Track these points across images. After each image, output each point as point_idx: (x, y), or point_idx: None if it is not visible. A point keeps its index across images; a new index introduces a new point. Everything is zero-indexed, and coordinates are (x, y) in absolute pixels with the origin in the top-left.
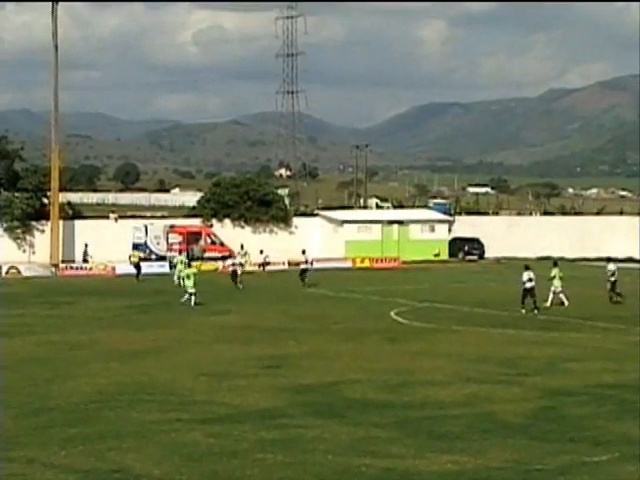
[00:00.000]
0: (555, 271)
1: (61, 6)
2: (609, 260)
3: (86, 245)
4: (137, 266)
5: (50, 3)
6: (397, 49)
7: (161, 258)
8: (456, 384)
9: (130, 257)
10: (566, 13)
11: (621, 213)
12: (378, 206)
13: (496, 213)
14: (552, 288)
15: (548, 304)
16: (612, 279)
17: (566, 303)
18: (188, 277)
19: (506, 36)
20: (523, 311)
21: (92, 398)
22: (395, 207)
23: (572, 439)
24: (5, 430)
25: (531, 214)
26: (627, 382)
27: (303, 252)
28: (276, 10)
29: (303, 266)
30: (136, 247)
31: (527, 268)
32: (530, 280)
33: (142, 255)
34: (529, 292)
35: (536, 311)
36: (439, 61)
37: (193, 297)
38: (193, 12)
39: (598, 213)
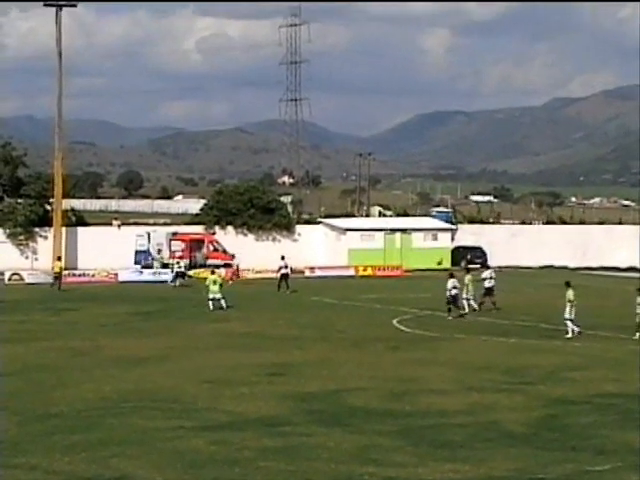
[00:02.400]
0: (468, 278)
1: (65, 12)
2: (487, 267)
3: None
4: (57, 276)
5: (54, 9)
6: (401, 57)
7: (164, 265)
8: (459, 393)
9: (53, 268)
10: (570, 22)
11: (620, 223)
12: (381, 214)
13: (495, 222)
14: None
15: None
16: (487, 285)
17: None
18: (214, 282)
19: (510, 45)
20: (450, 318)
21: (95, 405)
22: (398, 215)
23: (575, 448)
24: (8, 436)
25: (531, 223)
26: (630, 391)
27: (282, 258)
28: (280, 18)
29: (283, 271)
30: (139, 254)
31: (452, 275)
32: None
33: (62, 265)
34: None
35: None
36: (443, 69)
37: (223, 301)
38: (197, 19)
39: (601, 223)
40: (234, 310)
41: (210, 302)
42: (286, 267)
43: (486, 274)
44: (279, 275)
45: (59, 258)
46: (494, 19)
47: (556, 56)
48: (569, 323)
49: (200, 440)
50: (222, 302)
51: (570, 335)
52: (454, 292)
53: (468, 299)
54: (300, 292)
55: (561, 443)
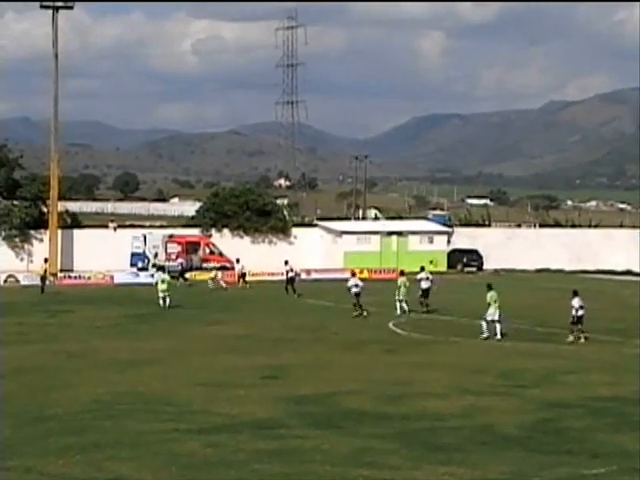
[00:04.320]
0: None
1: (61, 14)
2: (422, 269)
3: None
4: (42, 279)
5: (50, 11)
6: (397, 60)
7: (160, 268)
8: (454, 396)
9: (44, 271)
10: (565, 25)
11: (621, 226)
12: (376, 217)
13: (489, 225)
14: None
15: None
16: (424, 286)
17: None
18: (163, 282)
19: (505, 48)
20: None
21: (90, 407)
22: (394, 218)
23: (570, 451)
24: (3, 439)
25: (533, 226)
26: (625, 395)
27: (286, 262)
28: (276, 20)
29: (291, 274)
30: (134, 256)
31: (402, 273)
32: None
33: (47, 267)
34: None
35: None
36: (439, 72)
37: (168, 299)
38: (193, 22)
39: (596, 226)
40: (229, 313)
41: (160, 300)
42: (292, 271)
43: (422, 275)
44: (286, 279)
45: (45, 260)
46: (489, 22)
47: (551, 59)
48: (483, 323)
49: (195, 443)
50: (163, 300)
51: (485, 335)
52: (355, 290)
53: (400, 300)
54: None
55: (556, 446)
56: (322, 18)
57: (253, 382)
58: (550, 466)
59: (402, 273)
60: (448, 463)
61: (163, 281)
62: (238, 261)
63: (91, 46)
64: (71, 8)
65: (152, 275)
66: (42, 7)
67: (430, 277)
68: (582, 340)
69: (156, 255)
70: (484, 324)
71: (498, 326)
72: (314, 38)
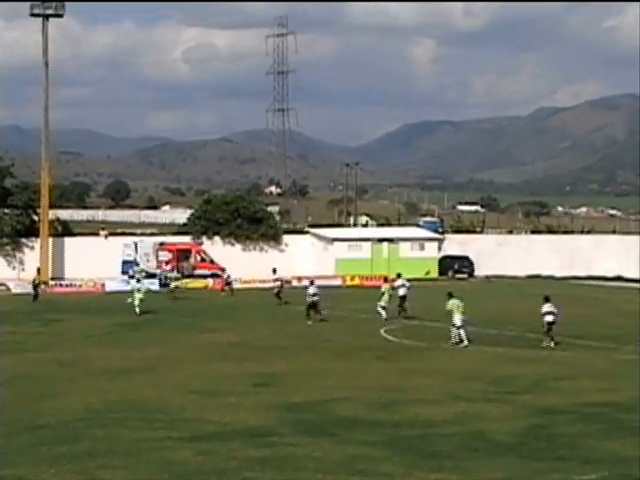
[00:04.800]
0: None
1: (51, 22)
2: (385, 280)
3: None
4: (35, 287)
5: (40, 19)
6: (388, 67)
7: (151, 275)
8: (446, 402)
9: (34, 280)
10: (556, 32)
11: (614, 232)
12: (366, 224)
13: (481, 231)
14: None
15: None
16: (401, 293)
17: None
18: (139, 290)
19: (496, 55)
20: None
21: (82, 416)
22: (385, 225)
23: (562, 458)
24: None
25: (526, 232)
26: (617, 401)
27: (274, 271)
28: (266, 28)
29: (279, 283)
30: (126, 264)
31: (386, 280)
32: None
33: (39, 276)
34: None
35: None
36: (430, 80)
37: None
38: (183, 30)
39: (588, 232)
40: (221, 320)
41: (137, 308)
42: (279, 280)
43: (399, 282)
44: (275, 288)
45: (38, 271)
46: (479, 30)
47: (542, 66)
48: (461, 331)
49: (187, 451)
50: (137, 308)
51: (466, 343)
52: (315, 299)
53: (384, 307)
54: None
55: (548, 453)
56: (313, 25)
57: (245, 390)
58: (542, 472)
59: (386, 280)
60: (440, 470)
61: (139, 290)
62: (223, 270)
63: (82, 54)
64: (61, 16)
65: (138, 280)
66: (32, 15)
67: (407, 284)
68: (552, 345)
69: (148, 261)
70: (462, 332)
71: (462, 331)
72: (305, 45)
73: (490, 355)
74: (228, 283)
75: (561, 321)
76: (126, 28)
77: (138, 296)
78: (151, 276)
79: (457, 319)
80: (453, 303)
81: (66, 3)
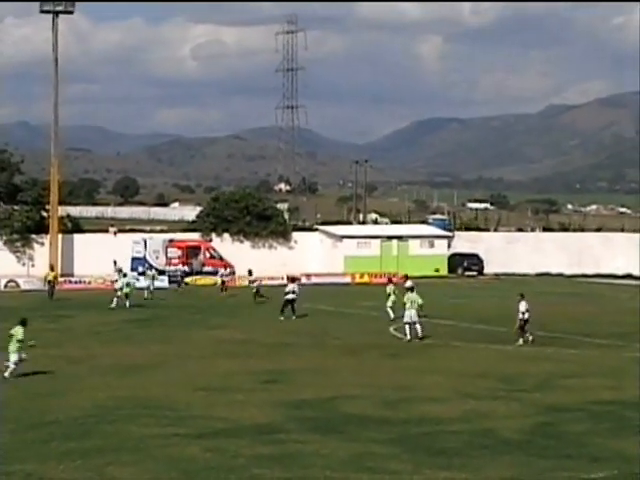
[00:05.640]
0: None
1: (61, 19)
2: (292, 280)
3: (115, 262)
4: (51, 284)
5: (50, 16)
6: (396, 65)
7: (160, 272)
8: (454, 400)
9: (46, 276)
10: (564, 30)
11: (622, 230)
12: (376, 221)
13: (489, 229)
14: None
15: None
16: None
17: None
18: (127, 285)
19: (504, 52)
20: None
21: (90, 412)
22: (394, 222)
23: (570, 456)
24: (3, 444)
25: (533, 230)
26: (625, 399)
27: (250, 272)
28: (275, 25)
29: (256, 284)
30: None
31: (293, 280)
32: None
33: (56, 274)
34: None
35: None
36: (438, 77)
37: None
38: (192, 26)
39: (598, 230)
40: (229, 317)
41: (127, 301)
42: (255, 281)
43: (409, 284)
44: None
45: (52, 267)
46: (487, 27)
47: (551, 64)
48: (407, 326)
49: (195, 447)
50: (127, 302)
51: (408, 338)
52: (290, 297)
53: (391, 308)
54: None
55: (556, 451)
56: (322, 23)
57: (253, 387)
58: (550, 470)
59: (390, 280)
60: (448, 468)
61: (128, 285)
62: (227, 267)
63: (91, 51)
64: (71, 13)
65: (153, 277)
66: (42, 12)
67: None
68: (525, 341)
69: (157, 258)
70: (407, 327)
71: (418, 327)
72: (314, 43)
73: (499, 353)
74: (223, 282)
75: (570, 318)
76: (135, 25)
77: (126, 290)
78: (160, 273)
79: (407, 314)
80: (409, 297)
81: (75, 1)
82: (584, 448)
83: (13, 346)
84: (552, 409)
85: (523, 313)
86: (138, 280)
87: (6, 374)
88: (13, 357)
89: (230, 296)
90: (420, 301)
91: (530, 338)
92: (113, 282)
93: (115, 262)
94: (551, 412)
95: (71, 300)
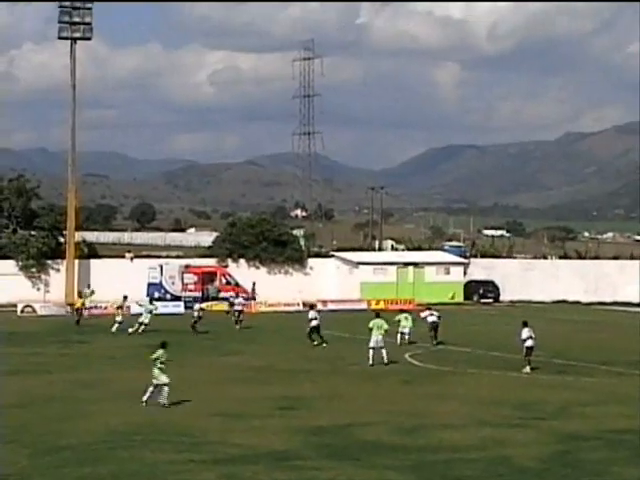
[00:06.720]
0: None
1: (79, 45)
2: (311, 307)
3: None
4: (78, 311)
5: (68, 42)
6: (413, 91)
7: (176, 298)
8: (471, 427)
9: (74, 303)
10: (580, 57)
11: (632, 257)
12: (393, 248)
13: (509, 256)
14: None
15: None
16: (430, 320)
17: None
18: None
19: (521, 79)
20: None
21: (105, 438)
22: (410, 249)
23: None
24: (18, 469)
25: (545, 258)
26: None
27: (237, 295)
28: (292, 51)
29: (238, 307)
30: (151, 286)
31: (312, 307)
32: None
33: (83, 301)
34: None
35: None
36: (455, 103)
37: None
38: (209, 52)
39: (615, 257)
40: (245, 343)
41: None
42: (239, 304)
43: (426, 313)
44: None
45: (80, 294)
46: (504, 54)
47: (567, 91)
48: (371, 351)
49: (211, 474)
50: (114, 327)
51: (371, 362)
52: (314, 323)
53: (402, 333)
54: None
55: (573, 479)
56: (338, 49)
57: (270, 413)
58: None
59: (402, 310)
60: None
61: (150, 312)
62: (240, 294)
63: (108, 77)
64: (89, 39)
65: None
66: (60, 38)
67: (435, 313)
68: (529, 370)
69: (173, 284)
70: (371, 352)
71: (384, 352)
72: (330, 69)
73: (516, 380)
74: (232, 304)
75: (586, 347)
76: (152, 50)
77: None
78: (176, 299)
79: (372, 340)
80: (374, 322)
81: (94, 27)
82: (601, 477)
83: (157, 370)
84: (569, 437)
85: (524, 340)
86: (157, 308)
87: (165, 402)
88: (163, 379)
89: (245, 328)
90: (386, 326)
91: (529, 369)
92: (118, 308)
93: (125, 297)
94: (568, 440)
95: (87, 325)
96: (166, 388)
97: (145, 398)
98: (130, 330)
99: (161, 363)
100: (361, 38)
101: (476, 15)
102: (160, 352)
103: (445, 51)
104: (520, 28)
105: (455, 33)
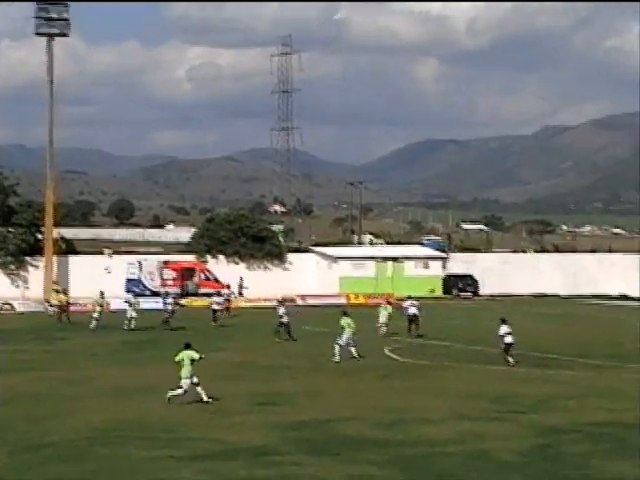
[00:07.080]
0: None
1: (57, 42)
2: (280, 302)
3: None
4: (62, 308)
5: (45, 38)
6: (392, 86)
7: (155, 294)
8: (450, 421)
9: (60, 300)
10: (559, 52)
11: (609, 250)
12: (372, 242)
13: (487, 250)
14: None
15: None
16: (410, 312)
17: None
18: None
19: (500, 74)
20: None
21: (87, 435)
22: (389, 244)
23: (567, 478)
24: (1, 467)
25: (524, 251)
26: (622, 420)
27: (219, 294)
28: (271, 47)
29: (216, 307)
30: (130, 282)
31: (282, 302)
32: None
33: (66, 298)
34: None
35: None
36: (434, 98)
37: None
38: (188, 49)
39: (593, 251)
40: (225, 340)
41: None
42: (218, 304)
43: (407, 303)
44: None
45: (65, 292)
46: (483, 49)
47: (545, 86)
48: (337, 348)
49: (190, 470)
50: (92, 323)
51: (338, 359)
52: (285, 319)
53: (384, 324)
54: (292, 321)
55: (553, 473)
56: (318, 45)
57: (249, 409)
58: None
59: (389, 302)
60: None
61: (100, 304)
62: (229, 287)
63: (87, 73)
64: (66, 35)
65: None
66: (38, 34)
67: (416, 304)
68: (508, 364)
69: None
70: (337, 348)
71: (353, 349)
72: (309, 64)
73: (494, 374)
74: (214, 311)
75: (565, 340)
76: (131, 47)
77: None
78: (154, 294)
79: (343, 338)
80: (345, 321)
81: (71, 23)
82: (581, 470)
83: (186, 370)
84: (549, 430)
85: (502, 337)
86: (139, 303)
87: (205, 398)
88: (194, 379)
89: (221, 326)
90: (353, 325)
91: (511, 362)
92: (99, 305)
93: (102, 293)
94: (548, 434)
95: (67, 322)
96: (199, 389)
97: (205, 398)
98: (126, 328)
99: (191, 362)
100: (340, 33)
101: (455, 10)
102: (186, 353)
103: (424, 46)
104: (499, 23)
105: (434, 28)
